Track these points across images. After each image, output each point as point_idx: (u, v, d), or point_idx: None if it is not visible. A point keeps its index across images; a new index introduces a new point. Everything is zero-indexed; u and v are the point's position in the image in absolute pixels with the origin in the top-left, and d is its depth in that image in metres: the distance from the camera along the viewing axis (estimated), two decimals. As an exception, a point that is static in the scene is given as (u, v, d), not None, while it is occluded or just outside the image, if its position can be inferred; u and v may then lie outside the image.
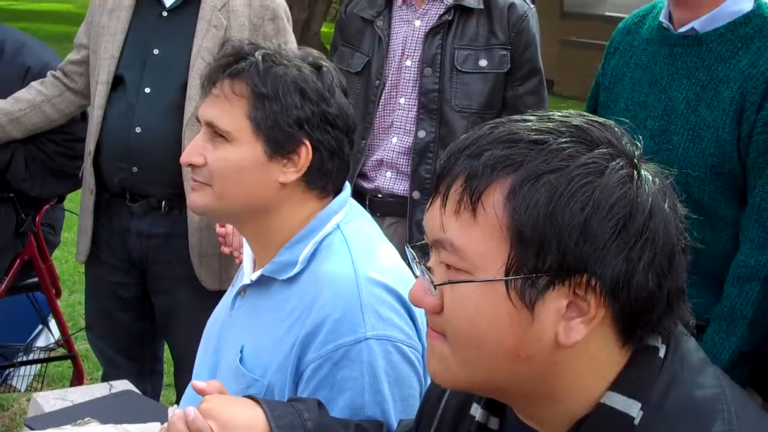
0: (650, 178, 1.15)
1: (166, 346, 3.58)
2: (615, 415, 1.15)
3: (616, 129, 1.18)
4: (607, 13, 14.20)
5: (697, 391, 1.16)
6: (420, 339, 1.87)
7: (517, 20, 3.06)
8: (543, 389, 1.18)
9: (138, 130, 3.05)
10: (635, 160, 1.16)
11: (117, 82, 3.14)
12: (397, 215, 3.11)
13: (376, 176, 3.09)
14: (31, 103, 3.35)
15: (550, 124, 1.16)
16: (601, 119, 1.20)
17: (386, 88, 3.08)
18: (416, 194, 3.04)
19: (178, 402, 3.40)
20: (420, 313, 1.91)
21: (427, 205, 1.22)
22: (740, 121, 2.22)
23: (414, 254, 1.25)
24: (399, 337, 1.79)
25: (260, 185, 1.86)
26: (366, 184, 3.14)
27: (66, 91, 3.37)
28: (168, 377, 3.85)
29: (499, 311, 1.13)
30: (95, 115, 3.15)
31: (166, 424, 1.62)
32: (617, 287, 1.11)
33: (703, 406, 1.14)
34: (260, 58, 1.85)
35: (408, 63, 3.07)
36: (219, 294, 3.17)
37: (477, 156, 1.15)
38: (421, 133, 3.02)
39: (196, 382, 1.69)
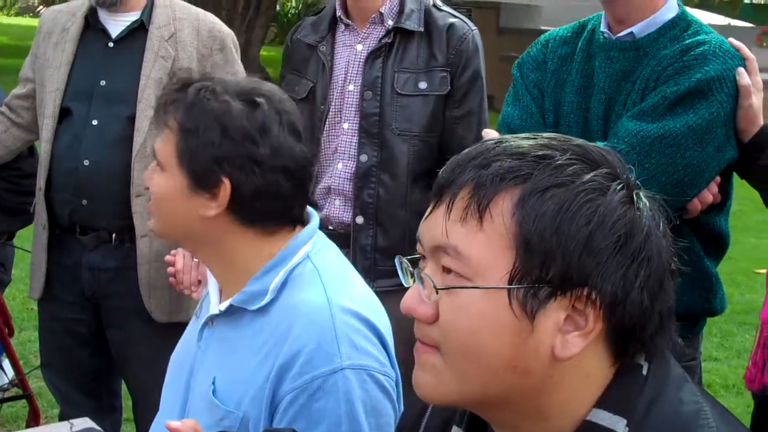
0: (647, 203, 1.18)
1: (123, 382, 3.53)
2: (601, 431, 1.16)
3: (611, 154, 1.21)
4: (542, 27, 14.36)
5: (679, 406, 1.17)
6: (393, 366, 1.88)
7: (456, 42, 3.04)
8: (533, 405, 1.19)
9: (86, 162, 3.01)
10: (632, 184, 1.19)
11: (64, 114, 3.10)
12: (347, 247, 3.05)
13: (325, 204, 3.06)
14: None
15: (554, 142, 1.20)
16: (597, 144, 1.23)
17: (330, 113, 3.05)
18: (359, 219, 3.01)
19: (139, 437, 3.36)
20: (392, 341, 1.91)
21: (426, 215, 1.23)
22: None
23: (407, 263, 1.26)
24: (374, 366, 1.80)
25: (185, 215, 1.87)
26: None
27: (12, 126, 3.31)
28: (126, 412, 3.79)
29: (499, 320, 1.14)
30: (43, 149, 3.10)
31: None
32: (615, 302, 1.13)
33: (686, 420, 1.16)
34: (193, 91, 1.85)
35: (351, 87, 3.04)
36: (172, 327, 3.16)
37: (485, 166, 1.17)
38: (363, 158, 2.99)
39: (170, 421, 1.66)
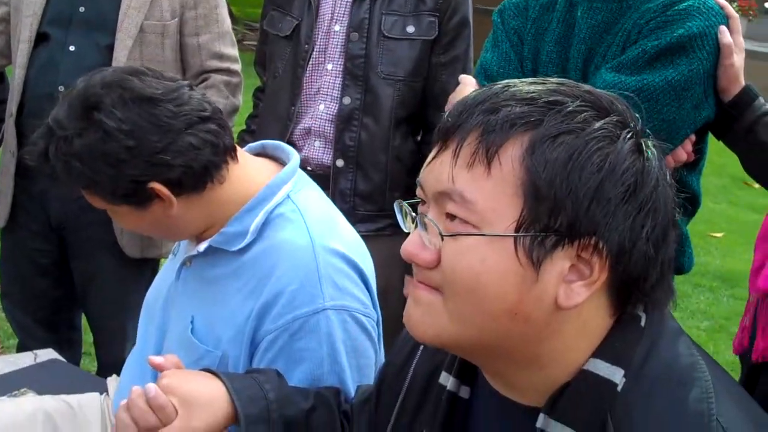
0: (654, 152, 1.18)
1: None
2: (598, 381, 1.15)
3: (620, 102, 1.20)
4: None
5: (676, 358, 1.18)
6: (374, 308, 1.87)
7: None
8: (529, 353, 1.18)
9: (61, 88, 2.95)
10: (640, 133, 1.18)
11: (40, 40, 3.03)
12: (326, 189, 3.02)
13: (304, 145, 3.01)
14: None
15: (564, 88, 1.18)
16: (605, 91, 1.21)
17: (314, 53, 3.00)
18: (340, 162, 2.96)
19: (102, 371, 3.33)
20: (374, 283, 1.90)
21: (428, 159, 1.20)
22: None
23: (408, 208, 1.23)
24: (356, 307, 1.79)
25: (159, 223, 1.84)
26: None
27: (-18, 50, 3.23)
28: (85, 346, 3.76)
29: (504, 267, 1.12)
30: (17, 75, 3.04)
31: (124, 402, 1.56)
32: (622, 252, 1.12)
33: (681, 373, 1.16)
34: (53, 154, 1.79)
35: (336, 28, 2.98)
36: (141, 263, 3.13)
37: (494, 111, 1.14)
38: (346, 100, 2.94)
39: (153, 357, 1.64)
